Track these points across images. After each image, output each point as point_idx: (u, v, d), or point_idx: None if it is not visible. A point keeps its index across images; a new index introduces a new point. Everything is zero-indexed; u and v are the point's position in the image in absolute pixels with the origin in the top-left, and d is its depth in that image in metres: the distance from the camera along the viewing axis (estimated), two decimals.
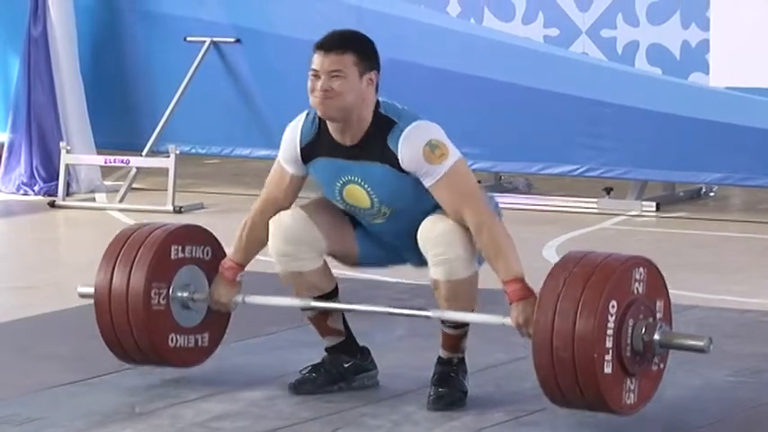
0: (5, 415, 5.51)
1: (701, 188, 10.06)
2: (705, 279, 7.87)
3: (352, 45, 5.54)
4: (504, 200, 9.53)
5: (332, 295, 5.79)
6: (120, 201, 10.17)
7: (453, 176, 5.46)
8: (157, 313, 5.73)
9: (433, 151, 5.44)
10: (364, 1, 10.07)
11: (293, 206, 5.71)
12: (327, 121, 5.54)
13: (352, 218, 5.77)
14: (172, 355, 5.82)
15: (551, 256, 8.49)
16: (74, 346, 6.48)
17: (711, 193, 10.12)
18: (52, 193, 10.32)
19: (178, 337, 5.83)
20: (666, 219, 9.57)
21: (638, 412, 5.21)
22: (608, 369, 5.05)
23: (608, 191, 9.83)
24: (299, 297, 5.76)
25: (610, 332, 5.04)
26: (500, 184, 10.09)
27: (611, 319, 5.05)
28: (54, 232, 9.83)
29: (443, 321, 5.63)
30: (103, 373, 5.97)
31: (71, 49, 10.53)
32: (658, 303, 5.24)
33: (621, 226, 9.41)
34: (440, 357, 5.68)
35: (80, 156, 10.42)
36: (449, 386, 5.66)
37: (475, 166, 9.60)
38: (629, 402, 5.16)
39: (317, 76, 5.47)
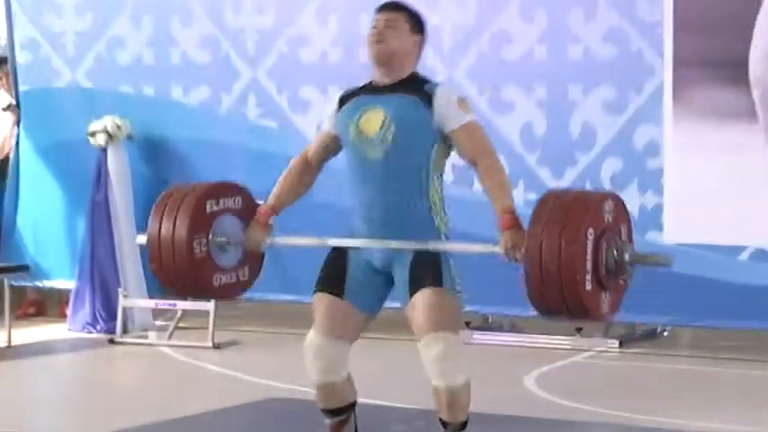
0: None
1: (656, 328, 10.07)
2: (661, 406, 7.90)
3: (407, 10, 5.65)
4: (491, 337, 9.84)
5: (352, 407, 5.73)
6: (169, 338, 10.25)
7: (474, 127, 5.58)
8: (201, 260, 5.76)
9: (463, 102, 5.57)
10: None
11: (318, 331, 5.65)
12: (374, 67, 5.61)
13: (341, 283, 5.68)
14: (217, 291, 5.95)
15: (531, 385, 8.54)
16: None
17: (665, 333, 10.14)
18: (111, 331, 10.36)
19: (221, 276, 5.89)
20: (628, 354, 9.60)
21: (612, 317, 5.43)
22: (588, 286, 5.23)
23: (579, 330, 9.81)
24: (327, 410, 5.69)
25: (588, 255, 5.19)
26: (487, 324, 10.10)
27: (589, 244, 5.19)
28: (112, 365, 9.89)
29: (445, 426, 5.57)
30: None
31: (128, 211, 10.61)
32: (623, 229, 5.45)
33: (590, 360, 9.46)
34: None
35: (135, 300, 10.47)
36: None
37: (466, 309, 9.71)
38: (604, 312, 5.35)
39: (375, 24, 5.59)
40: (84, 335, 10.52)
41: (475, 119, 5.61)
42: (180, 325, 10.38)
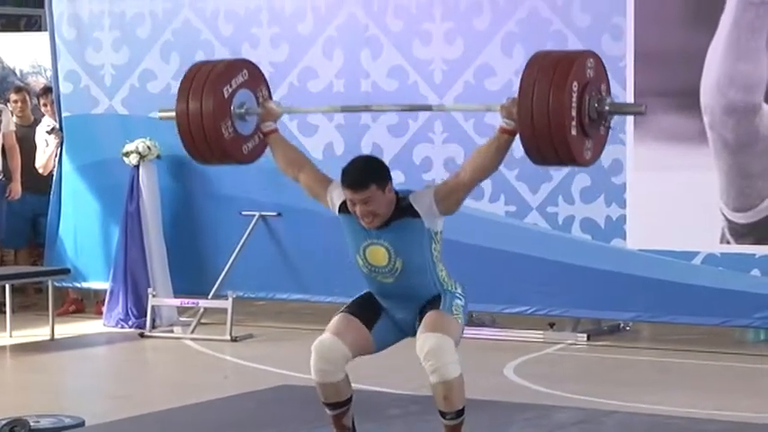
0: None
1: (619, 323, 9.99)
2: (624, 392, 7.85)
3: (371, 176, 5.41)
4: (475, 332, 9.75)
5: (349, 401, 5.65)
6: (192, 332, 10.17)
7: (449, 180, 5.57)
8: (230, 140, 5.69)
9: (432, 186, 5.50)
10: None
11: (330, 333, 5.53)
12: None
13: (367, 319, 5.60)
14: (248, 157, 5.83)
15: (510, 374, 8.52)
16: None
17: (627, 327, 10.05)
18: (142, 326, 10.31)
19: (248, 144, 5.78)
20: (594, 346, 9.53)
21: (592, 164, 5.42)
22: (574, 132, 5.18)
23: (551, 325, 9.81)
24: (328, 404, 5.63)
25: (574, 104, 5.15)
26: (472, 320, 9.96)
27: (574, 95, 5.16)
28: (142, 356, 9.82)
29: (443, 416, 5.46)
30: None
31: (157, 219, 10.57)
32: (603, 85, 5.35)
33: (562, 352, 9.38)
34: None
35: (162, 299, 10.42)
36: None
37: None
38: (587, 157, 5.32)
39: (353, 203, 5.41)
40: (118, 330, 10.46)
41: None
42: (202, 321, 10.31)
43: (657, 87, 9.26)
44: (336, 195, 5.54)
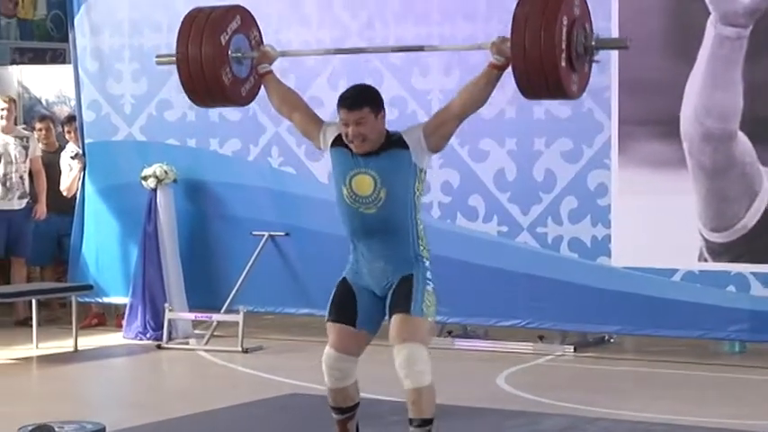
0: None
1: (604, 336, 10.00)
2: (608, 400, 7.87)
3: (366, 100, 5.48)
4: (469, 344, 9.82)
5: (356, 407, 5.69)
6: (206, 344, 10.18)
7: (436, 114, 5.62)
8: (230, 84, 5.72)
9: (421, 123, 5.60)
10: None
11: (331, 348, 5.57)
12: None
13: (350, 318, 5.59)
14: (246, 98, 5.91)
15: (502, 383, 8.51)
16: None
17: (612, 340, 10.06)
18: (159, 338, 10.31)
19: (245, 85, 5.83)
20: (581, 357, 9.55)
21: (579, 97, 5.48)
22: (563, 63, 5.22)
23: (541, 338, 9.80)
24: (337, 408, 5.66)
25: (563, 38, 5.22)
26: (466, 332, 10.03)
27: (564, 29, 5.22)
28: (159, 366, 9.85)
29: (411, 423, 5.42)
30: None
31: (173, 239, 10.57)
32: (587, 23, 5.43)
33: (550, 362, 9.39)
34: None
35: (178, 313, 10.42)
36: None
37: (449, 320, 9.66)
38: (574, 89, 5.37)
39: (346, 124, 5.44)
40: (137, 342, 10.47)
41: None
42: (215, 333, 10.31)
43: (640, 116, 9.28)
44: (330, 132, 5.60)
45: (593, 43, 5.39)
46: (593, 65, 5.61)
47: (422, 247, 5.57)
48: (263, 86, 5.98)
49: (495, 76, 5.49)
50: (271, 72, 5.90)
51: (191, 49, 5.65)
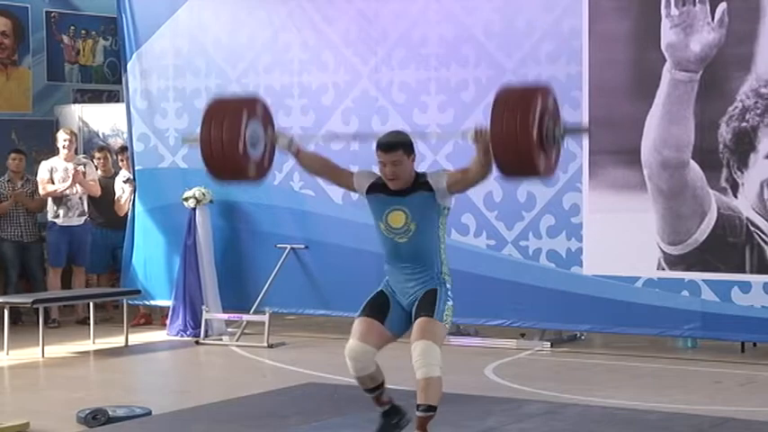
0: None
1: (577, 334, 9.90)
2: (580, 388, 7.80)
3: (400, 144, 5.50)
4: (462, 340, 9.74)
5: (383, 384, 5.65)
6: (237, 340, 10.13)
7: (455, 172, 5.59)
8: (243, 163, 5.53)
9: (444, 172, 5.61)
10: None
11: (355, 339, 5.51)
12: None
13: (381, 315, 5.54)
14: (254, 177, 5.66)
15: (490, 374, 8.45)
16: (208, 425, 6.45)
17: (583, 337, 9.98)
18: (197, 335, 10.25)
19: (257, 166, 5.61)
20: (557, 352, 9.46)
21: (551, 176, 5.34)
22: (536, 151, 5.08)
23: (522, 335, 9.74)
24: (366, 389, 5.63)
25: (535, 125, 5.07)
26: (459, 331, 9.94)
27: (536, 118, 5.07)
28: (198, 359, 9.74)
29: (418, 408, 5.38)
30: None
31: (209, 251, 10.51)
32: (555, 111, 5.28)
33: (530, 356, 9.30)
34: None
35: (214, 314, 10.37)
36: None
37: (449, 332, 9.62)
38: (548, 167, 5.22)
39: (384, 164, 5.49)
40: (178, 338, 10.40)
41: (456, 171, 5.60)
42: (245, 331, 10.26)
43: (607, 147, 9.22)
44: (364, 181, 5.62)
45: (561, 130, 5.27)
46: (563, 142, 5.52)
47: (444, 271, 5.60)
48: (295, 159, 5.89)
49: (480, 158, 5.40)
50: (300, 150, 5.81)
51: (213, 132, 5.53)
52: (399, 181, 5.48)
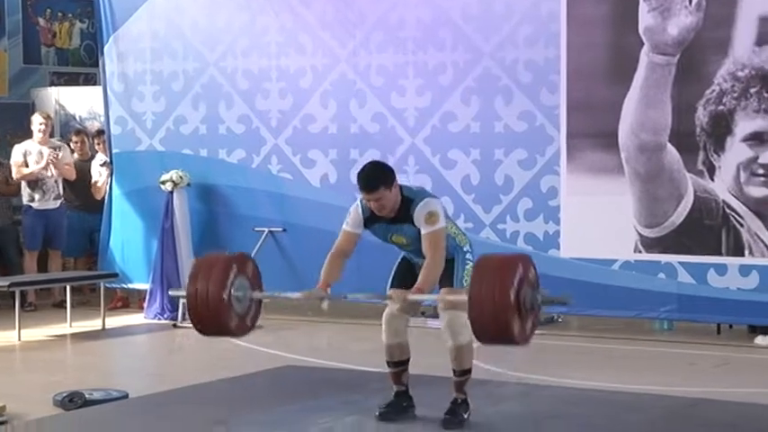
0: None
1: (553, 316, 9.93)
2: (557, 370, 7.82)
3: (379, 181, 5.60)
4: (437, 323, 9.53)
5: (408, 361, 5.86)
6: None
7: (432, 236, 5.58)
8: (226, 310, 5.50)
9: (429, 218, 5.60)
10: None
11: (393, 308, 5.72)
12: None
13: (410, 283, 5.63)
14: (237, 332, 5.67)
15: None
16: (185, 408, 6.44)
17: (560, 319, 10.01)
18: (174, 319, 10.24)
19: (241, 321, 5.62)
20: (534, 334, 9.44)
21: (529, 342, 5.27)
22: (514, 320, 5.09)
23: None
24: (393, 362, 5.84)
25: (513, 295, 5.07)
26: (435, 313, 9.92)
27: (514, 288, 5.09)
28: (175, 342, 9.73)
29: (454, 373, 5.76)
30: (206, 424, 5.89)
31: (187, 234, 10.49)
32: (533, 280, 5.31)
33: None
34: (453, 398, 5.81)
35: None
36: (452, 415, 5.79)
37: (424, 303, 9.58)
38: (526, 335, 5.22)
39: (368, 200, 5.64)
40: (156, 321, 10.39)
41: (436, 228, 5.59)
42: None
43: (585, 130, 9.25)
44: (357, 222, 5.75)
45: (539, 299, 5.28)
46: None
47: (459, 242, 5.81)
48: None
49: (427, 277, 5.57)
50: (325, 293, 5.80)
51: (199, 286, 5.52)
52: (386, 210, 5.63)
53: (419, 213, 5.61)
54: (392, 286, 5.82)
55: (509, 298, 5.05)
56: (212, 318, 5.53)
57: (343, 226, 5.80)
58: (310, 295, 5.72)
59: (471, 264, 5.71)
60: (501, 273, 5.10)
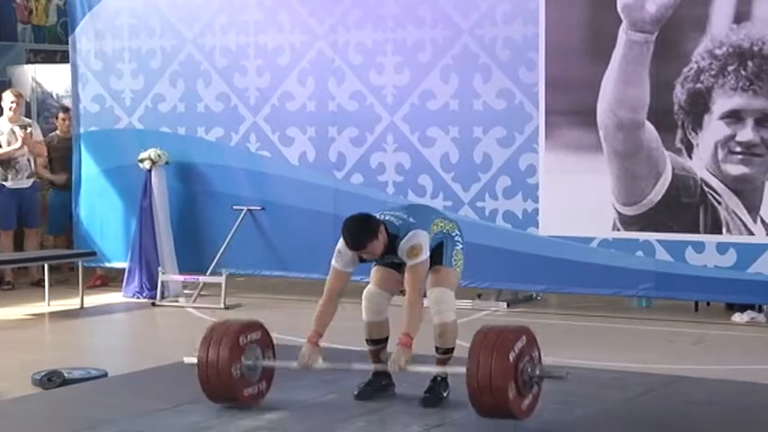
0: (120, 430, 5.46)
1: (532, 294, 9.95)
2: None
3: (365, 238, 5.53)
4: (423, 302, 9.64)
5: (386, 340, 5.85)
6: (193, 302, 10.08)
7: (414, 269, 5.56)
8: (236, 380, 5.61)
9: (411, 252, 5.54)
10: (339, 183, 10.05)
11: (373, 285, 5.76)
12: None
13: (396, 264, 5.71)
14: (245, 399, 5.69)
15: None
16: (164, 386, 6.44)
17: (539, 297, 10.02)
18: (153, 297, 10.19)
19: (249, 389, 5.69)
20: (513, 312, 9.46)
21: (528, 417, 5.19)
22: (512, 394, 5.06)
23: (479, 296, 9.74)
24: (372, 340, 5.82)
25: (511, 371, 5.06)
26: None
27: (512, 363, 5.06)
28: (154, 321, 9.69)
29: (437, 350, 5.72)
30: (182, 404, 5.91)
31: (165, 212, 10.43)
32: (534, 354, 5.27)
33: (487, 317, 9.25)
34: (433, 376, 5.77)
35: (170, 275, 10.31)
36: (431, 393, 5.75)
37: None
38: (524, 410, 5.17)
39: (358, 255, 5.59)
40: (134, 300, 10.34)
41: (418, 261, 5.55)
42: (201, 293, 10.22)
43: (563, 107, 9.24)
44: (350, 262, 5.66)
45: (538, 373, 5.22)
46: None
47: (449, 228, 5.84)
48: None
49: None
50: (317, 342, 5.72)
51: (210, 350, 5.61)
52: (377, 255, 5.62)
53: (403, 247, 5.56)
54: (378, 262, 5.81)
55: (508, 374, 5.00)
56: (221, 387, 5.61)
57: (333, 263, 5.70)
58: (306, 364, 5.65)
59: (461, 245, 5.81)
60: (500, 346, 5.06)
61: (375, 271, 5.83)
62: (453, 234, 5.84)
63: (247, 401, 5.70)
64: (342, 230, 5.58)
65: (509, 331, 5.23)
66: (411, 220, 5.63)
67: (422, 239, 5.56)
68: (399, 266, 5.74)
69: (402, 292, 5.70)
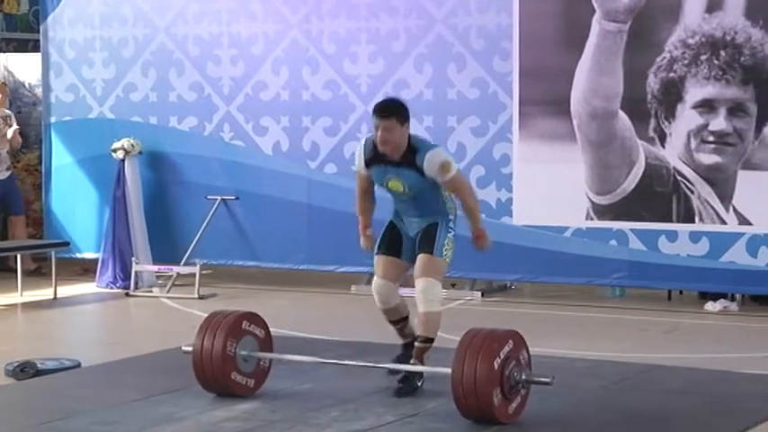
0: (93, 421, 5.42)
1: (507, 283, 9.97)
2: None
3: (395, 112, 5.69)
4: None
5: (407, 318, 6.08)
6: (167, 292, 10.03)
7: (454, 180, 5.78)
8: (232, 374, 5.63)
9: (443, 168, 5.70)
10: (313, 173, 10.01)
11: (379, 277, 5.93)
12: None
13: (396, 249, 5.89)
14: (242, 390, 5.70)
15: None
16: (138, 376, 6.41)
17: (513, 287, 10.03)
18: (127, 288, 10.14)
19: (237, 375, 5.70)
20: (487, 302, 9.50)
21: (517, 420, 5.20)
22: (497, 399, 5.07)
23: (453, 285, 9.69)
24: (391, 321, 6.06)
25: (497, 375, 5.06)
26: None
27: (497, 367, 5.07)
28: (128, 311, 9.63)
29: (417, 339, 5.84)
30: (155, 394, 5.88)
31: (139, 202, 10.38)
32: (522, 357, 5.26)
33: (462, 306, 9.30)
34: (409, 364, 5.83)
35: (144, 265, 10.25)
36: (405, 382, 5.80)
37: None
38: (510, 414, 5.17)
39: (377, 128, 5.67)
40: (108, 290, 10.28)
41: (453, 174, 5.76)
42: (175, 283, 10.16)
43: (537, 97, 9.24)
44: (361, 160, 5.87)
45: (524, 378, 5.23)
46: None
47: (448, 208, 5.93)
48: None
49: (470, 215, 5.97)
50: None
51: (206, 339, 5.68)
52: (389, 146, 5.66)
53: (431, 164, 5.66)
54: (379, 251, 5.96)
55: (493, 378, 5.02)
56: (217, 376, 5.66)
57: (355, 169, 5.99)
58: (368, 247, 6.05)
59: (453, 233, 5.89)
60: (486, 349, 5.07)
61: (378, 261, 5.94)
62: (449, 218, 5.92)
63: (234, 390, 5.69)
64: (377, 103, 5.86)
65: (496, 335, 5.22)
66: (431, 142, 5.99)
67: (449, 156, 5.79)
68: (399, 252, 5.90)
69: (407, 281, 5.84)
